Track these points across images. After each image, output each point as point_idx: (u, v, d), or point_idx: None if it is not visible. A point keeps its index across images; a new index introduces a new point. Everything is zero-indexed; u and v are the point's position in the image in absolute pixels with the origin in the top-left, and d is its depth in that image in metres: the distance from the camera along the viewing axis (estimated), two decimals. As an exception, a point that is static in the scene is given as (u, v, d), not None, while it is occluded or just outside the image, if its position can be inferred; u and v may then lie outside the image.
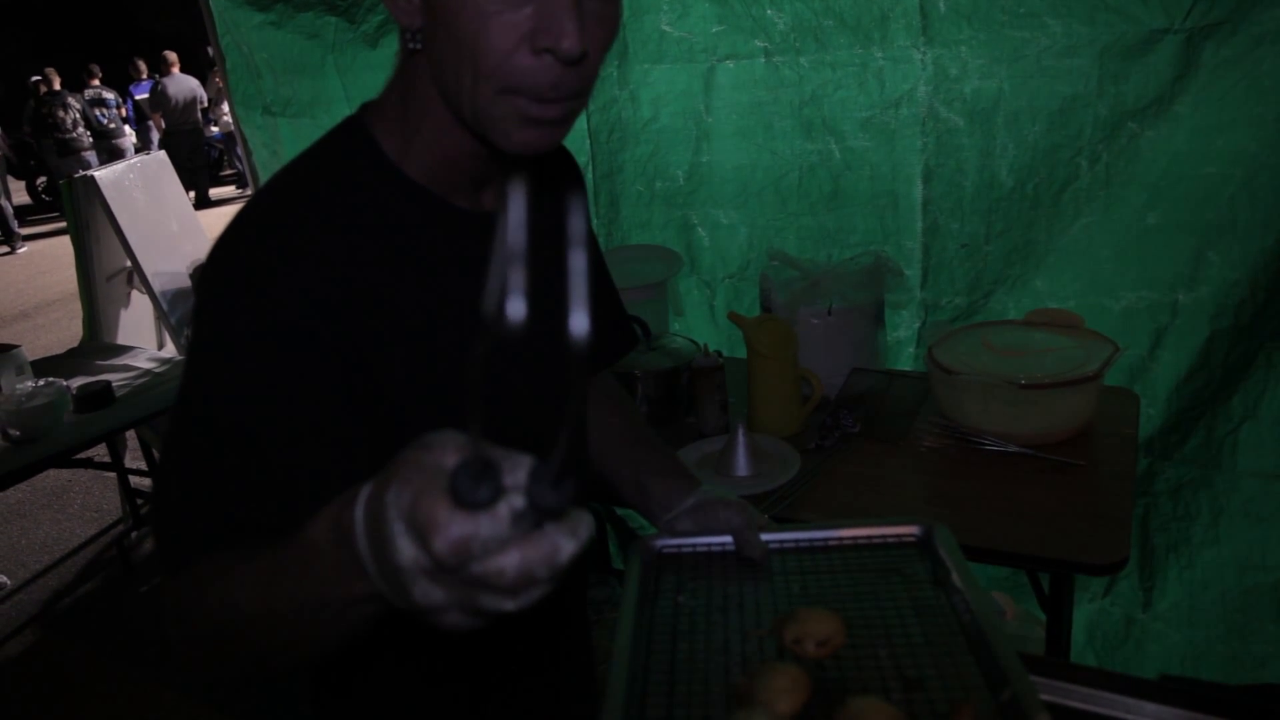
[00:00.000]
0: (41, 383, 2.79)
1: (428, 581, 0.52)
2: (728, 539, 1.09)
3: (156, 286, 3.94)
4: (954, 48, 2.11)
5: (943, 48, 2.12)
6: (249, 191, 11.95)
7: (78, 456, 3.07)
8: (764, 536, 1.08)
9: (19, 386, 2.77)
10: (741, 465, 1.75)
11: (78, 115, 10.70)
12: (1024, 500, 1.62)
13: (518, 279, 0.46)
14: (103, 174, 3.87)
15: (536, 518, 0.50)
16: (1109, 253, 2.10)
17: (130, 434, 3.86)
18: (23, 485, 3.08)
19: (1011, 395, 1.72)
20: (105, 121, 11.09)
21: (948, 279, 2.29)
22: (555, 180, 1.09)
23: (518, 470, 0.51)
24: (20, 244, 10.85)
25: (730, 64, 2.38)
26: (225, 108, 11.01)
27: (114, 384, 3.00)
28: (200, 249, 4.35)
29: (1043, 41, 2.02)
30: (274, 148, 3.31)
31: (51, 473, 4.07)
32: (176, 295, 4.06)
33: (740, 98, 2.39)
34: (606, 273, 1.28)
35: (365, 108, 0.92)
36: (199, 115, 11.41)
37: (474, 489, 0.49)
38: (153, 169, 4.28)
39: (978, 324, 2.03)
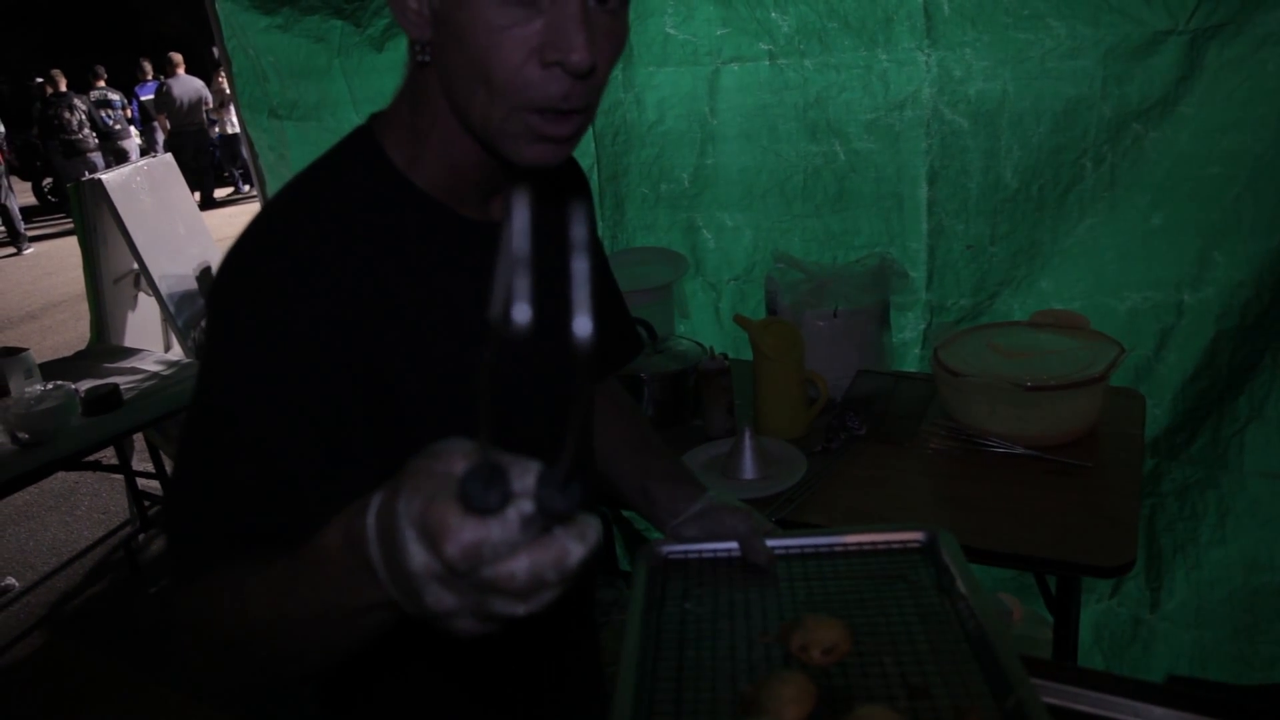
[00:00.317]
0: (50, 386, 2.81)
1: (439, 587, 0.53)
2: (733, 545, 1.10)
3: (163, 289, 3.95)
4: (958, 50, 2.11)
5: (947, 50, 2.12)
6: (249, 192, 12.04)
7: (85, 459, 3.08)
8: (769, 542, 1.08)
9: (28, 390, 2.79)
10: (748, 468, 1.75)
11: (83, 116, 10.72)
12: (1030, 502, 1.62)
13: (523, 286, 0.46)
14: (110, 177, 3.89)
15: (545, 522, 0.51)
16: (1114, 254, 2.10)
17: (138, 436, 3.87)
18: (30, 487, 3.09)
19: (1017, 397, 1.72)
20: (111, 123, 11.11)
21: (953, 280, 2.30)
22: (561, 188, 1.09)
23: (526, 475, 0.51)
24: (26, 245, 10.88)
25: (735, 67, 2.38)
26: (224, 111, 11.09)
27: (121, 387, 3.01)
28: (207, 251, 4.37)
29: (1047, 43, 2.02)
30: (280, 151, 3.32)
31: (59, 475, 4.08)
32: (183, 297, 4.08)
33: (745, 100, 2.40)
34: (612, 279, 1.28)
35: (374, 118, 0.93)
36: (204, 116, 11.43)
37: (484, 494, 0.49)
38: (160, 172, 4.29)
39: (983, 325, 2.03)
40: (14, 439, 2.69)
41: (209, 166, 11.99)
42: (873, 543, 1.10)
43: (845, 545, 1.10)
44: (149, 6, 18.72)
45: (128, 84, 12.45)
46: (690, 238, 2.61)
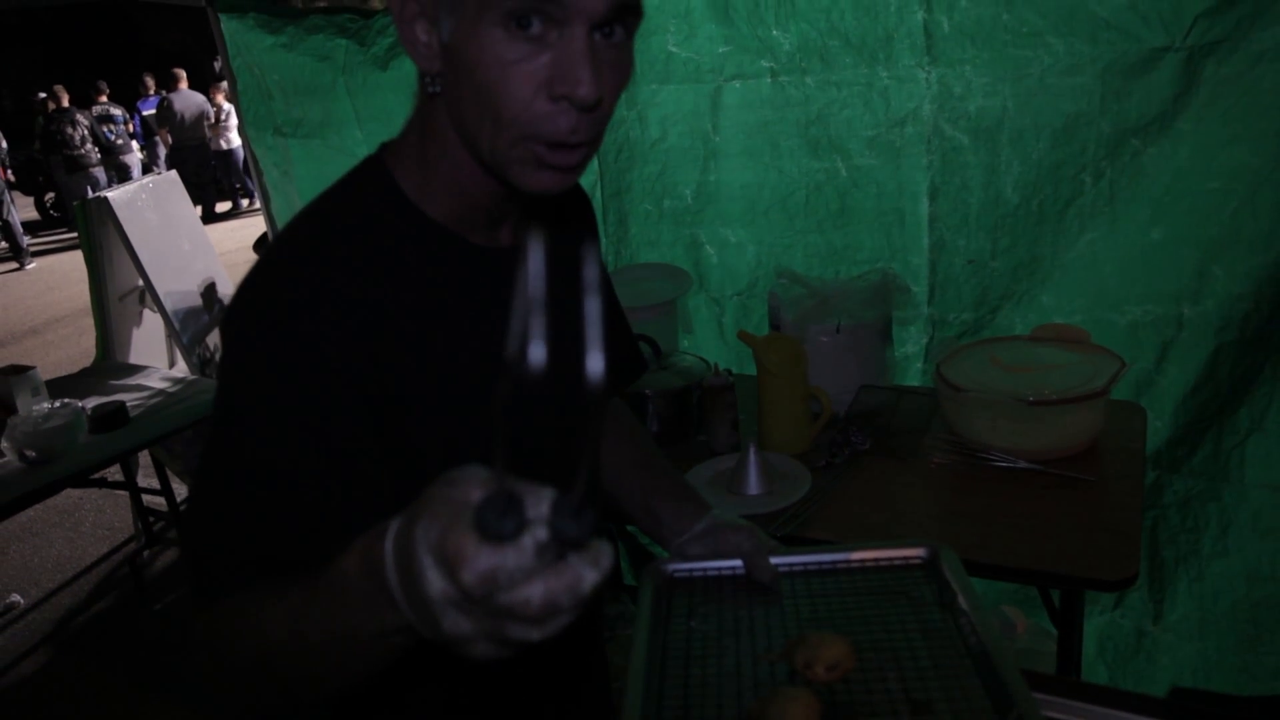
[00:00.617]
0: (58, 404, 2.82)
1: (456, 613, 0.54)
2: (738, 563, 1.11)
3: (168, 305, 3.97)
4: (958, 67, 2.13)
5: (947, 67, 2.14)
6: (250, 206, 12.07)
7: (91, 476, 3.09)
8: (773, 560, 1.10)
9: (35, 408, 2.80)
10: (753, 484, 1.77)
11: (86, 132, 10.77)
12: (1033, 516, 1.63)
13: (538, 326, 0.48)
14: (115, 195, 3.91)
15: (559, 549, 0.52)
16: (1114, 268, 2.12)
17: (143, 452, 3.88)
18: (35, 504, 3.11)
19: (1019, 412, 1.74)
20: (113, 138, 11.15)
21: (954, 295, 2.31)
22: (567, 213, 1.11)
23: (540, 503, 0.53)
24: (29, 260, 10.91)
25: (737, 84, 2.40)
26: (224, 126, 11.13)
27: (128, 404, 3.02)
28: (211, 267, 4.38)
29: (1045, 60, 2.04)
30: (285, 168, 3.34)
31: (63, 491, 4.09)
32: (188, 314, 4.09)
33: (747, 117, 2.42)
34: (615, 300, 1.30)
35: (384, 147, 0.94)
36: (205, 131, 11.48)
37: (499, 522, 0.51)
38: (164, 189, 4.31)
39: (985, 340, 2.04)
40: (21, 457, 2.70)
41: (210, 181, 12.03)
42: (875, 559, 1.11)
43: (848, 562, 1.11)
44: (150, 21, 18.79)
45: (130, 99, 12.50)
46: (693, 253, 2.63)
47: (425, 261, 0.90)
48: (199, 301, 4.20)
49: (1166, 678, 2.22)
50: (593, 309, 0.48)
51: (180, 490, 4.04)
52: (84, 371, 3.72)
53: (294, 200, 3.39)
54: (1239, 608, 2.12)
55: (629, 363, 1.32)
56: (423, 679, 1.00)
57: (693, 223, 2.60)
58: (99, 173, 10.88)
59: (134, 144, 11.78)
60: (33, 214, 13.24)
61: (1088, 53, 1.99)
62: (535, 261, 0.49)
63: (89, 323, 4.15)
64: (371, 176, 0.92)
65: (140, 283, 4.05)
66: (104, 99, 11.33)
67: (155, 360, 4.17)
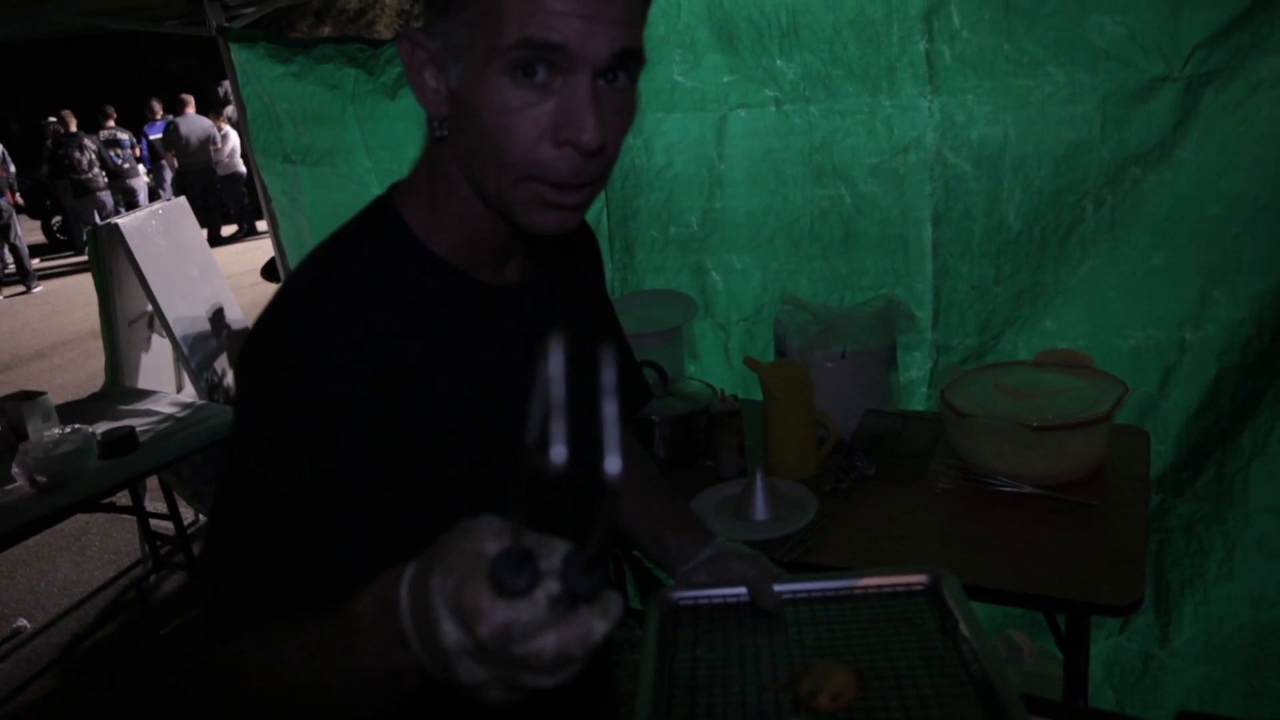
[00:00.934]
0: (68, 429, 2.84)
1: (471, 662, 0.57)
2: (743, 590, 1.12)
3: (177, 330, 3.99)
4: (960, 96, 2.16)
5: (949, 96, 2.18)
6: (260, 227, 12.12)
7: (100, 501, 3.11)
8: (777, 587, 1.11)
9: (46, 434, 2.82)
10: (760, 509, 1.78)
11: (93, 156, 10.85)
12: (1038, 540, 1.64)
13: (559, 429, 0.50)
14: (126, 221, 3.95)
15: (571, 601, 0.54)
16: (1116, 293, 2.14)
17: (150, 476, 3.90)
18: (40, 528, 3.12)
19: (1024, 437, 1.75)
20: (120, 162, 11.24)
21: (958, 320, 2.34)
22: (572, 250, 1.13)
23: (553, 555, 0.55)
24: (36, 284, 10.97)
25: (742, 112, 2.43)
26: (227, 149, 11.22)
27: (137, 429, 3.05)
28: (220, 292, 4.41)
29: (1046, 89, 2.07)
30: (294, 195, 3.38)
31: (71, 516, 4.11)
32: (197, 339, 4.12)
33: (752, 145, 2.45)
34: (620, 330, 1.31)
35: (394, 188, 0.97)
36: (211, 156, 11.56)
37: (514, 577, 0.53)
38: (174, 215, 4.35)
39: (989, 365, 2.06)
40: (32, 482, 2.72)
41: (216, 205, 12.10)
42: (878, 586, 1.12)
43: (851, 589, 1.12)
44: (156, 46, 18.94)
45: (137, 123, 12.59)
46: (699, 280, 2.65)
47: (434, 299, 0.91)
48: (207, 327, 4.23)
49: (1173, 701, 2.23)
50: (610, 416, 0.50)
51: (188, 515, 4.06)
52: (93, 396, 3.74)
53: (302, 226, 3.42)
54: (1245, 631, 2.12)
55: (633, 392, 1.34)
56: (434, 712, 1.02)
57: (698, 249, 2.63)
58: (106, 196, 10.96)
59: (140, 168, 11.86)
60: (39, 238, 13.31)
61: (1088, 82, 2.02)
62: (556, 371, 0.51)
63: (96, 346, 4.19)
64: (381, 216, 0.94)
65: (149, 308, 4.08)
66: (111, 123, 11.43)
67: (163, 385, 4.19)
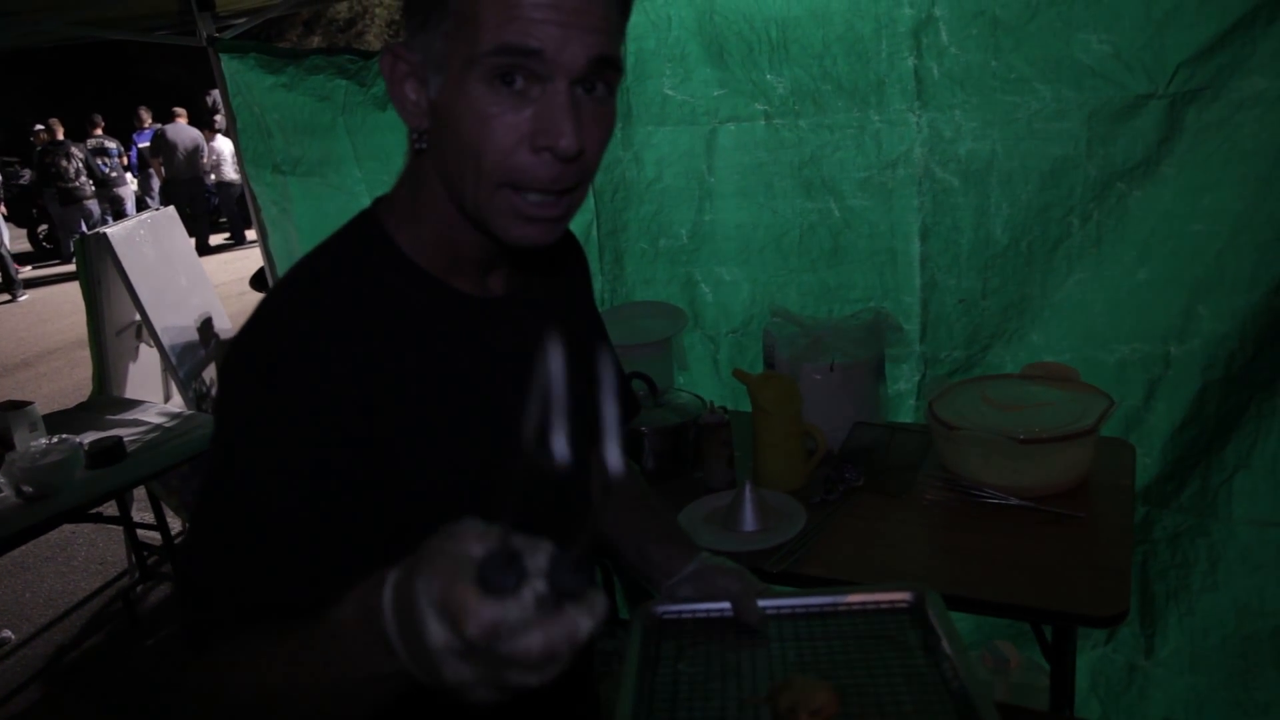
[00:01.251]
0: (55, 439, 2.82)
1: (458, 661, 0.57)
2: (727, 605, 1.13)
3: (165, 340, 3.98)
4: (948, 111, 2.18)
5: (937, 111, 2.20)
6: (249, 237, 12.12)
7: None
8: (761, 603, 1.11)
9: (33, 444, 2.81)
10: (749, 520, 1.79)
11: (80, 164, 10.82)
12: (1025, 552, 1.66)
13: (561, 424, 0.51)
14: (114, 231, 3.94)
15: (557, 599, 0.56)
16: (1102, 307, 2.16)
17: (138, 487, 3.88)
18: (24, 538, 3.11)
19: (1011, 450, 1.77)
20: (107, 170, 11.20)
21: (946, 333, 2.35)
22: (558, 261, 1.14)
23: (538, 555, 0.56)
24: (21, 292, 10.91)
25: (731, 126, 2.45)
26: (218, 157, 11.23)
27: (125, 439, 3.03)
28: (208, 302, 4.41)
29: (1033, 105, 2.09)
30: (283, 205, 3.38)
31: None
32: (185, 348, 4.11)
33: (741, 158, 2.47)
34: (609, 342, 1.32)
35: (378, 202, 0.98)
36: (199, 164, 11.55)
37: (501, 577, 0.54)
38: (162, 224, 4.34)
39: (976, 378, 2.08)
40: (18, 492, 2.71)
41: (204, 214, 12.09)
42: (862, 603, 1.13)
43: (835, 605, 1.13)
44: (145, 55, 18.90)
45: (125, 132, 12.57)
46: (689, 292, 2.67)
47: (417, 311, 0.92)
48: (195, 336, 4.22)
49: (1159, 712, 2.24)
50: (607, 387, 0.51)
51: (175, 525, 4.04)
52: (80, 406, 3.73)
53: (292, 237, 3.42)
54: (1229, 642, 2.14)
55: (622, 404, 1.35)
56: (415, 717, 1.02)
57: (688, 261, 2.65)
58: (93, 205, 10.92)
59: (128, 176, 11.83)
60: (25, 246, 13.25)
61: (1074, 99, 2.05)
62: (557, 368, 0.52)
63: (82, 355, 4.17)
64: (364, 229, 0.95)
65: (137, 317, 4.07)
66: (99, 132, 11.40)
67: (151, 395, 4.18)
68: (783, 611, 1.13)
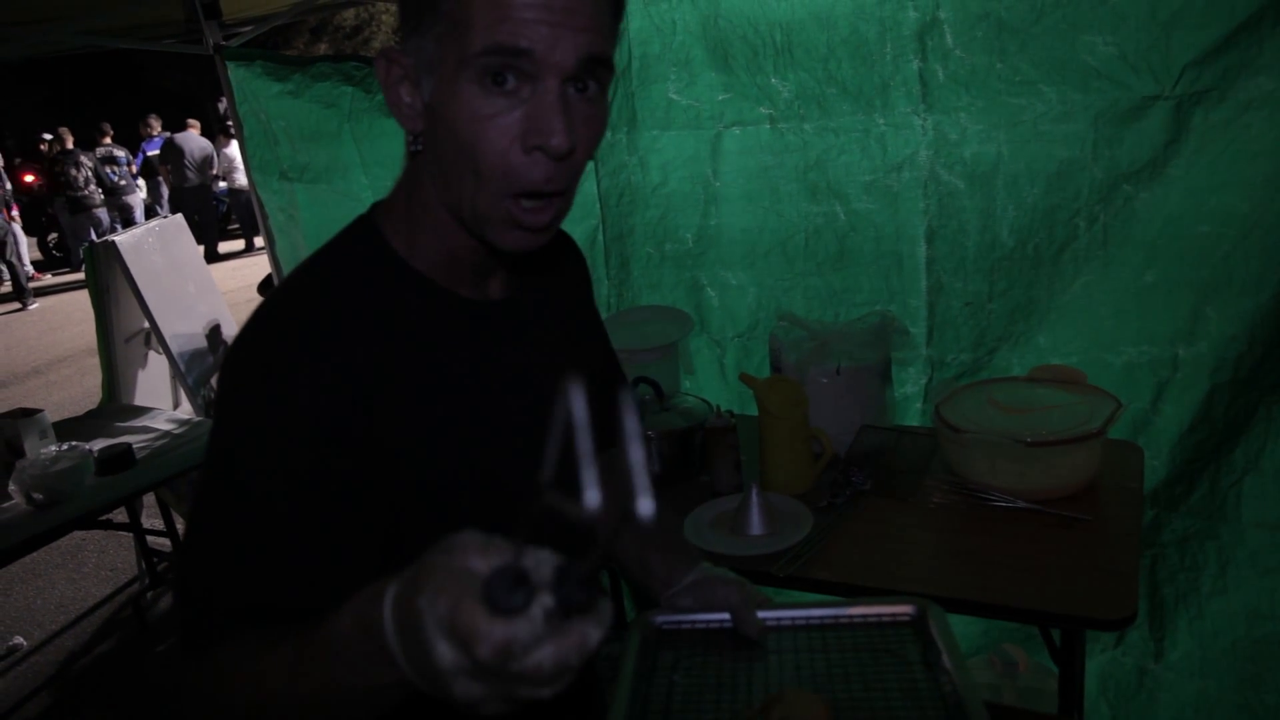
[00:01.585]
0: (65, 446, 2.84)
1: (469, 680, 0.56)
2: (726, 616, 1.12)
3: (174, 347, 4.00)
4: (953, 114, 2.18)
5: (942, 114, 2.20)
6: (259, 244, 12.17)
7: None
8: (761, 615, 1.11)
9: (43, 451, 2.82)
10: (756, 524, 1.79)
11: (89, 173, 10.87)
12: (1032, 555, 1.65)
13: (591, 477, 0.51)
14: (123, 239, 3.96)
15: (565, 611, 0.55)
16: (1109, 310, 2.15)
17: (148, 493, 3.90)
18: (35, 545, 3.12)
19: (1018, 453, 1.76)
20: (116, 179, 11.26)
21: (953, 336, 2.35)
22: (556, 264, 1.14)
23: (542, 568, 0.55)
24: (31, 300, 10.97)
25: (737, 130, 2.45)
26: (231, 163, 11.28)
27: (134, 446, 3.05)
28: (216, 309, 4.42)
29: (1039, 108, 2.09)
30: (290, 212, 3.39)
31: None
32: (193, 355, 4.13)
33: (747, 162, 2.47)
34: (608, 344, 1.32)
35: (375, 207, 0.98)
36: (209, 172, 11.60)
37: (509, 596, 0.53)
38: (171, 232, 4.37)
39: (983, 381, 2.07)
40: (29, 499, 2.72)
41: (212, 222, 12.14)
42: (863, 616, 1.12)
43: (835, 618, 1.12)
44: (154, 63, 19.00)
45: (134, 140, 12.63)
46: (695, 296, 2.67)
47: (415, 315, 0.92)
48: (203, 343, 4.23)
49: (1168, 716, 2.23)
50: (637, 460, 0.51)
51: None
52: (90, 413, 3.74)
53: (299, 243, 3.43)
54: (1239, 646, 2.13)
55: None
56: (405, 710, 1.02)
57: (694, 266, 2.65)
58: (102, 213, 10.98)
59: (137, 184, 11.89)
60: (36, 254, 13.31)
61: (1080, 101, 2.05)
62: (580, 419, 0.52)
63: (92, 363, 4.19)
64: (362, 234, 0.95)
65: (146, 325, 4.08)
66: (108, 140, 11.45)
67: (160, 402, 4.19)
68: (783, 623, 1.12)
